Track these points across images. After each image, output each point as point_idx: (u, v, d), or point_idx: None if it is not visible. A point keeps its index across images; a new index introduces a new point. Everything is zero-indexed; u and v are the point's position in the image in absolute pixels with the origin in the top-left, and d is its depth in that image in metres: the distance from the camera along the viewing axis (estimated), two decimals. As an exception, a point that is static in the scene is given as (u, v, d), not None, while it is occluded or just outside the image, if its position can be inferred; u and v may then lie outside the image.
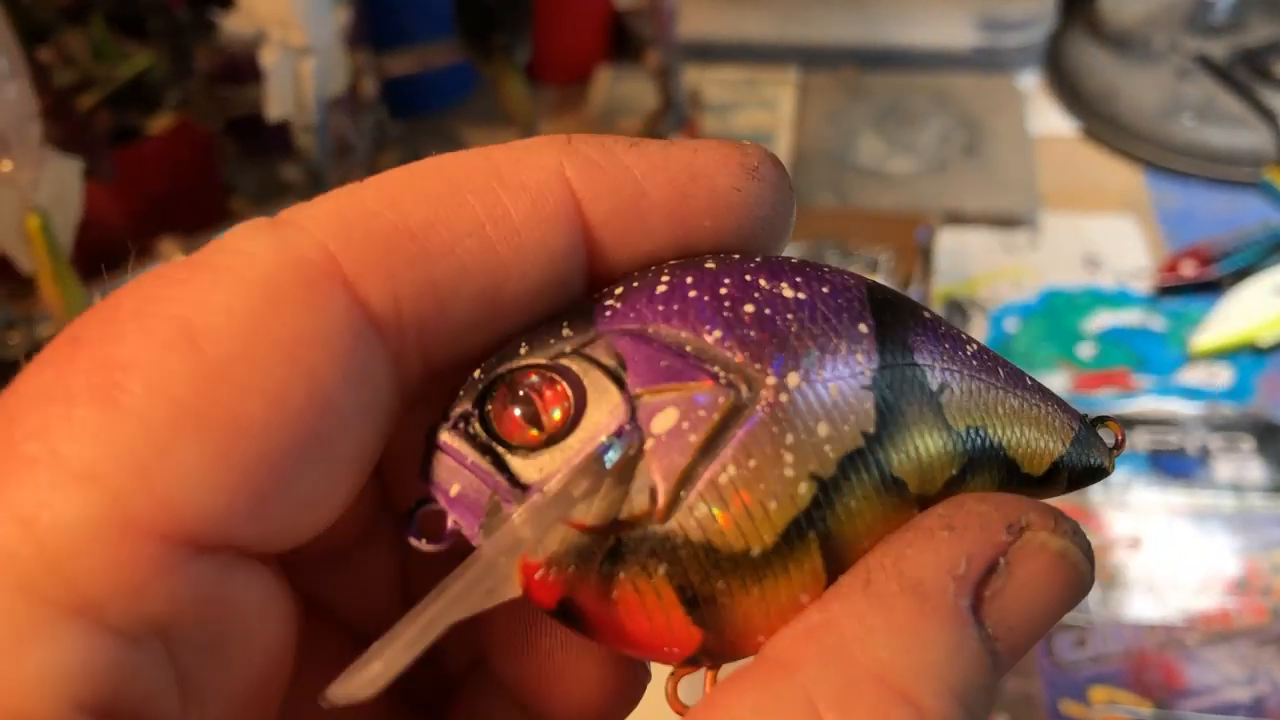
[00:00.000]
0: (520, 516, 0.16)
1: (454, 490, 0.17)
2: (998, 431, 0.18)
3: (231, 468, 0.15)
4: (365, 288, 0.16)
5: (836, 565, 0.16)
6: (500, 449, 0.16)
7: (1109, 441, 0.19)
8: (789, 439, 0.16)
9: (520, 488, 0.16)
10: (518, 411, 0.16)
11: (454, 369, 0.17)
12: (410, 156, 0.74)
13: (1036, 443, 0.18)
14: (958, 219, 0.79)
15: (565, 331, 0.17)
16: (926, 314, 0.18)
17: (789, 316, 0.17)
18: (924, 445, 0.17)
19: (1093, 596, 0.58)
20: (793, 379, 0.16)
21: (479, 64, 0.62)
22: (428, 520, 0.17)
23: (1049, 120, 0.88)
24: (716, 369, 0.16)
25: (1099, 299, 0.74)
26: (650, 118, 0.68)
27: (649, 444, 0.16)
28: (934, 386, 0.17)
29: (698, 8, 0.92)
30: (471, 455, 0.16)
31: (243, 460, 0.15)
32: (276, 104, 0.57)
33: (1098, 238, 0.78)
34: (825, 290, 0.17)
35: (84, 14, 0.72)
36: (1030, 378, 0.19)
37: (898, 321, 0.17)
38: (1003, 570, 0.16)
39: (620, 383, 0.16)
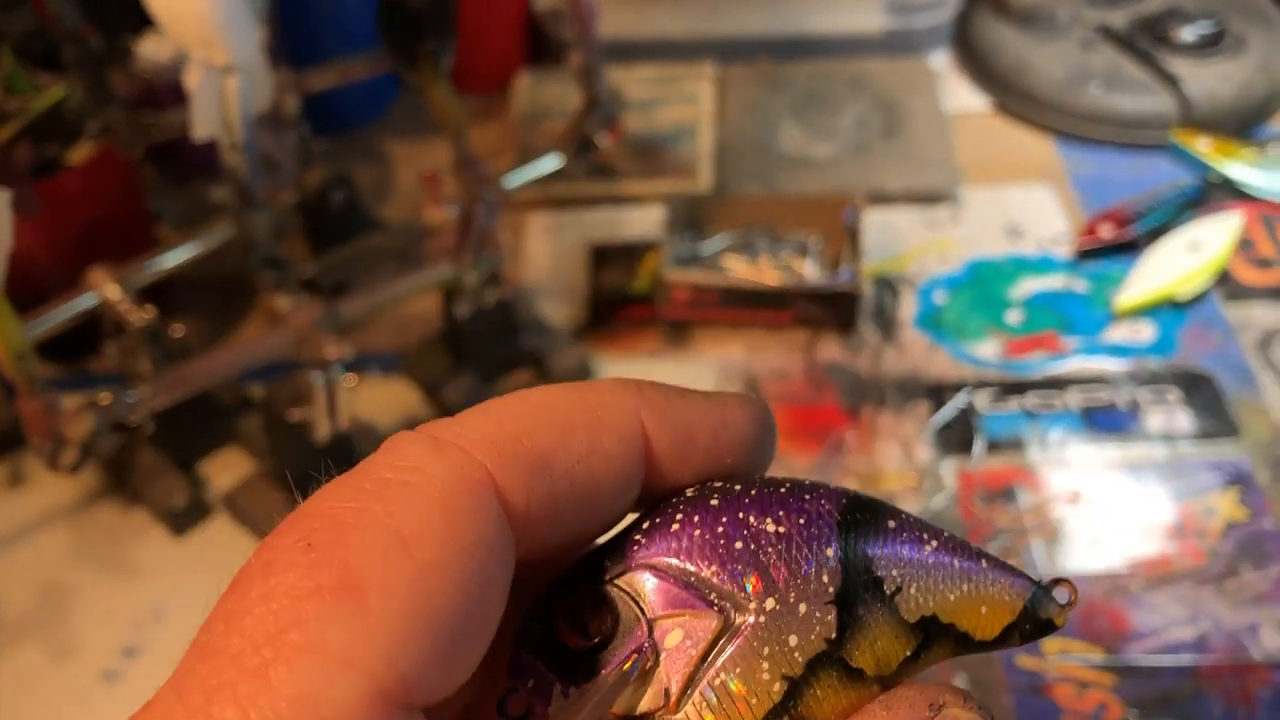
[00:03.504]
0: (575, 706, 0.22)
1: (530, 683, 0.23)
2: (950, 616, 0.22)
3: (438, 647, 0.19)
4: (509, 498, 0.21)
5: None
6: (562, 652, 0.23)
7: (1062, 600, 0.22)
8: (765, 650, 0.22)
9: (576, 684, 0.22)
10: (574, 625, 0.23)
11: (545, 558, 0.23)
12: (336, 173, 0.73)
13: (988, 616, 0.22)
14: (881, 199, 0.81)
15: (608, 564, 0.23)
16: (893, 521, 0.22)
17: (769, 550, 0.22)
18: (880, 640, 0.22)
19: (1037, 552, 0.60)
20: (770, 603, 0.22)
21: (405, 73, 0.62)
22: (513, 703, 0.23)
23: (962, 97, 0.90)
24: (712, 596, 0.22)
25: (1023, 266, 0.76)
26: (575, 119, 0.69)
27: (663, 656, 0.22)
28: (889, 591, 0.22)
29: (612, 7, 0.93)
30: (542, 657, 0.23)
31: (446, 641, 0.20)
32: (202, 125, 0.57)
33: (1017, 208, 0.80)
34: (802, 522, 0.23)
35: (-7, 48, 0.71)
36: (987, 557, 0.23)
37: (863, 538, 0.22)
38: None
39: (642, 609, 0.23)
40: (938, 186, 0.81)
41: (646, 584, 0.23)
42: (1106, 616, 0.57)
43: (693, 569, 0.23)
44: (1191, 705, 0.54)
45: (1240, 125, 0.83)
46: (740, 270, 0.75)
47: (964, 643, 0.22)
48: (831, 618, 0.22)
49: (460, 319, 0.67)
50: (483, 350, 0.69)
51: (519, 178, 0.69)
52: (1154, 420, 0.66)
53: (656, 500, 0.24)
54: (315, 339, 0.59)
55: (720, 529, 0.23)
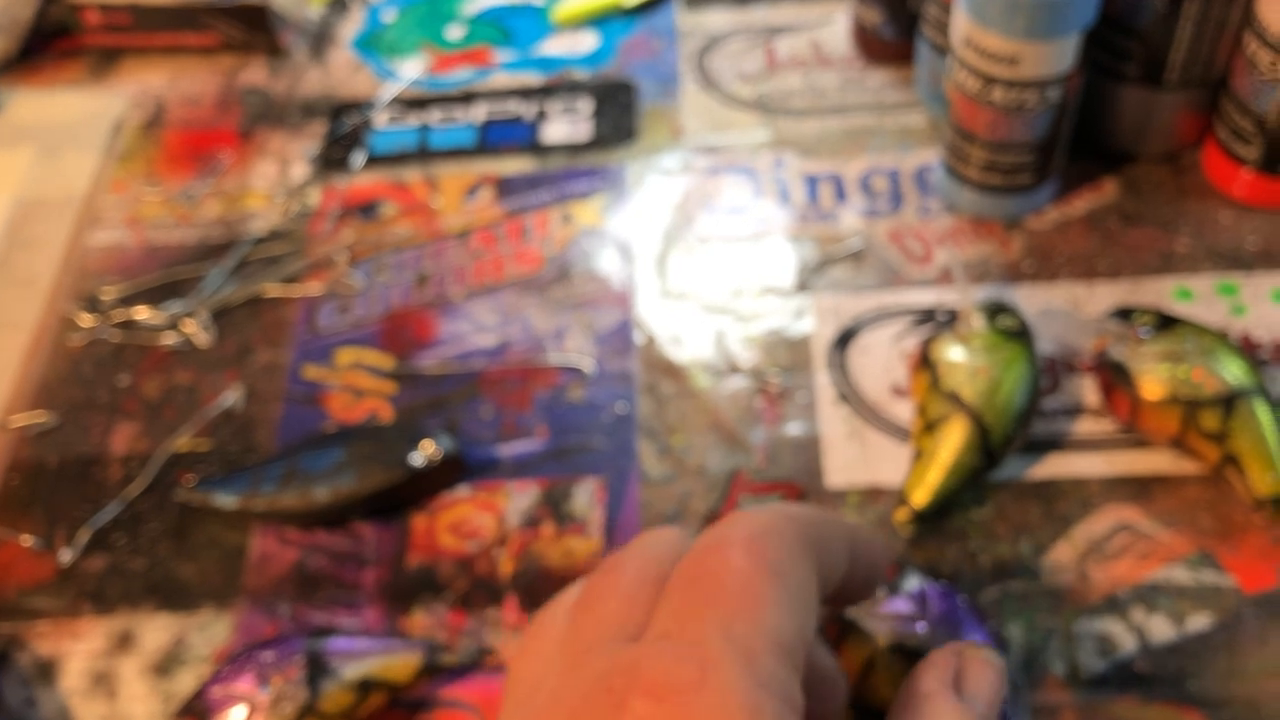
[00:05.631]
0: None
1: None
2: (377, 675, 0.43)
3: None
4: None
5: None
6: None
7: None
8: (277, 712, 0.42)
9: None
10: None
11: None
12: None
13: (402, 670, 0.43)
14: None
15: None
16: (337, 633, 0.44)
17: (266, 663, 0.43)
18: (335, 697, 0.42)
19: (364, 268, 0.56)
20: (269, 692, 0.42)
21: None
22: None
23: None
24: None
25: (488, -19, 0.70)
26: None
27: None
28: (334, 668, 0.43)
29: None
30: None
31: None
32: None
33: (509, -78, 0.74)
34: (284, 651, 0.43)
35: None
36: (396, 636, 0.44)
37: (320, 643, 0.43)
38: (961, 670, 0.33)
39: None
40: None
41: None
42: (413, 326, 0.54)
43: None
44: (463, 408, 0.51)
45: None
46: (172, -8, 0.69)
47: (394, 690, 0.42)
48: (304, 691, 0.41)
49: None
50: None
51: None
52: (554, 130, 0.62)
53: None
54: None
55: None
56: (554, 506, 0.47)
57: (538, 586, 0.45)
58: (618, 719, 0.24)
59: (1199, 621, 0.42)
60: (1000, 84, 0.49)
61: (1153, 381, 0.45)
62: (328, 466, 0.47)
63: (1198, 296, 0.51)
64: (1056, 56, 0.48)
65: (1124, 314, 0.47)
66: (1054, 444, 0.47)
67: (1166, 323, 0.46)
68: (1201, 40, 0.51)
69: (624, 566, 0.29)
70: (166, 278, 0.57)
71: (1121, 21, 0.51)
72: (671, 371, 0.51)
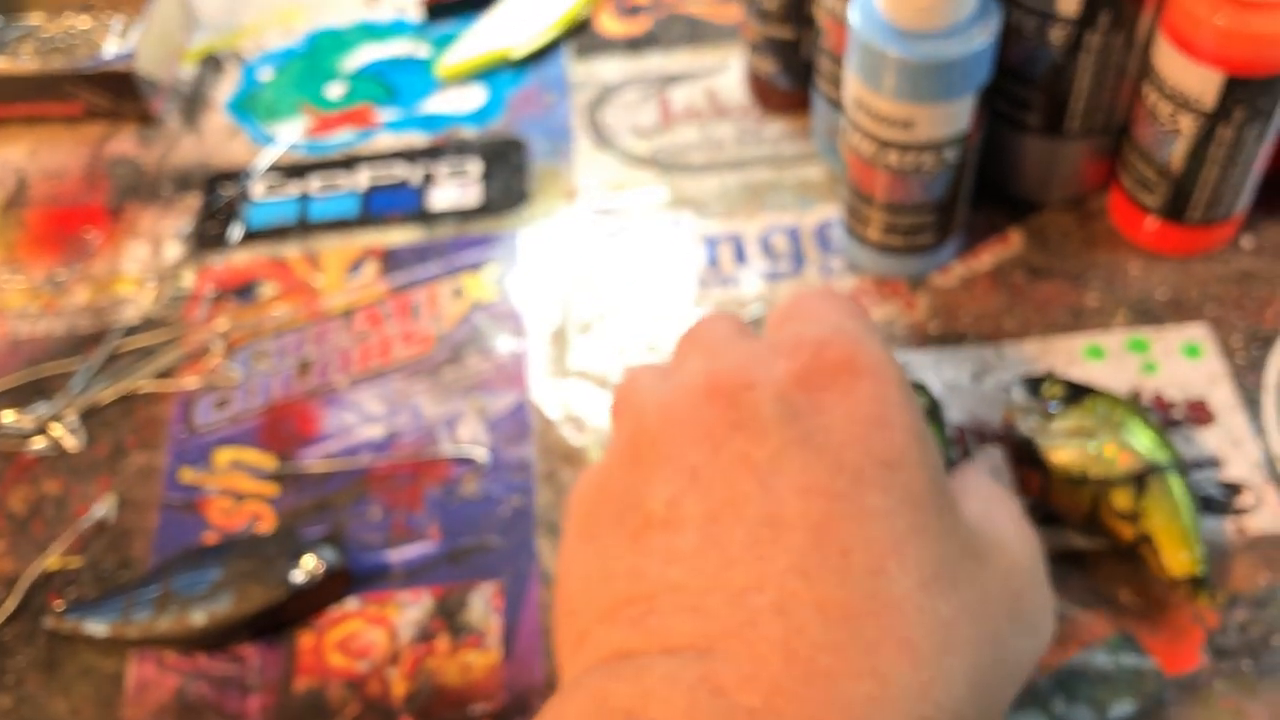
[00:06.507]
0: None
1: None
2: None
3: None
4: None
5: None
6: None
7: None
8: None
9: None
10: None
11: None
12: None
13: None
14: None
15: None
16: None
17: None
18: None
19: (241, 359, 0.53)
20: None
21: None
22: None
23: None
24: None
25: (369, 33, 0.67)
26: None
27: None
28: None
29: None
30: None
31: None
32: None
33: (391, -32, 0.71)
34: None
35: None
36: None
37: None
38: None
39: None
40: (314, -51, 0.71)
41: None
42: (296, 419, 0.51)
43: None
44: (350, 510, 0.48)
45: None
46: (31, 56, 0.65)
47: None
48: None
49: None
50: None
51: None
52: (441, 196, 0.59)
53: None
54: None
55: None
56: (449, 617, 0.45)
57: (433, 709, 0.43)
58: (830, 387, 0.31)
59: (1122, 708, 0.41)
60: (895, 147, 0.47)
61: (1063, 459, 0.43)
62: (204, 588, 0.44)
63: (1109, 354, 0.50)
64: (953, 117, 0.46)
65: (1033, 383, 0.46)
66: (967, 522, 0.45)
67: (1076, 393, 0.44)
68: (1101, 89, 0.50)
69: (710, 324, 0.37)
70: (31, 375, 0.53)
71: (1019, 72, 0.50)
72: (571, 457, 0.49)
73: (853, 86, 0.47)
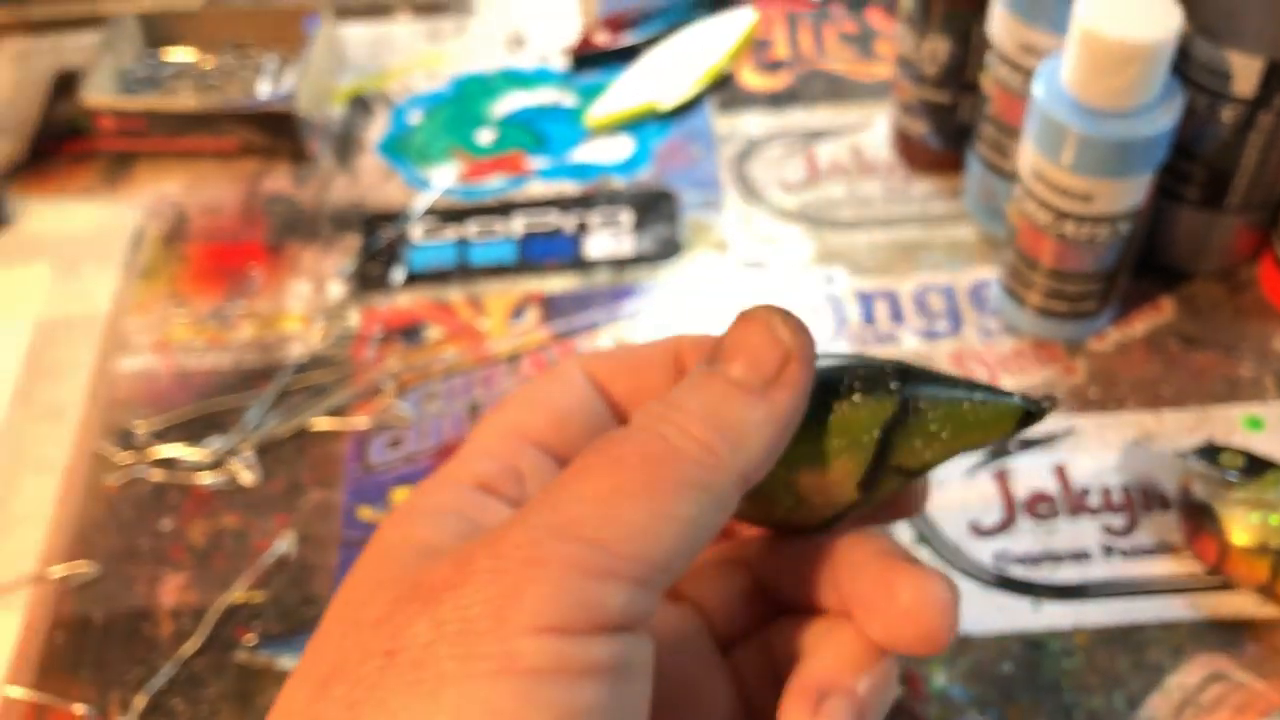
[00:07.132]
0: None
1: None
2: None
3: None
4: None
5: None
6: None
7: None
8: None
9: None
10: None
11: None
12: None
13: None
14: (379, 10, 0.72)
15: None
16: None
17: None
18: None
19: (414, 397, 0.55)
20: None
21: None
22: None
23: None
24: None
25: (515, 80, 0.69)
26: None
27: None
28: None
29: None
30: None
31: None
32: None
33: (530, 16, 0.72)
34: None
35: None
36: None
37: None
38: None
39: None
40: (451, -6, 0.73)
41: None
42: (469, 462, 0.52)
43: None
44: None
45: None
46: (189, 93, 0.67)
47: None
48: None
49: None
50: None
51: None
52: (596, 245, 0.60)
53: None
54: None
55: None
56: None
57: None
58: None
59: (1301, 776, 0.42)
60: (1072, 219, 0.49)
61: (1242, 528, 0.44)
62: (399, 627, 0.46)
63: (1269, 425, 0.51)
64: (1131, 192, 0.48)
65: (1210, 452, 0.47)
66: (1139, 586, 0.46)
67: (1256, 466, 0.46)
68: (1266, 166, 0.51)
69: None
70: (203, 409, 0.55)
71: (1184, 146, 0.51)
72: (740, 508, 0.50)
73: (1031, 157, 0.49)
